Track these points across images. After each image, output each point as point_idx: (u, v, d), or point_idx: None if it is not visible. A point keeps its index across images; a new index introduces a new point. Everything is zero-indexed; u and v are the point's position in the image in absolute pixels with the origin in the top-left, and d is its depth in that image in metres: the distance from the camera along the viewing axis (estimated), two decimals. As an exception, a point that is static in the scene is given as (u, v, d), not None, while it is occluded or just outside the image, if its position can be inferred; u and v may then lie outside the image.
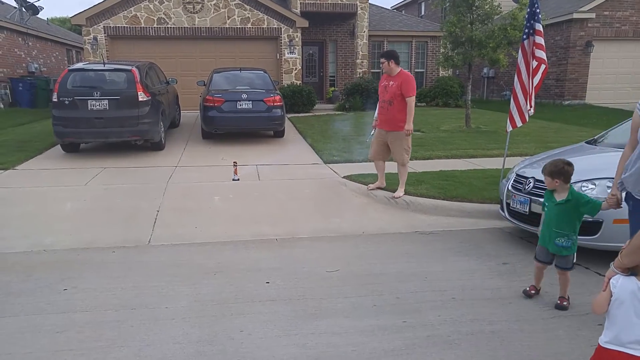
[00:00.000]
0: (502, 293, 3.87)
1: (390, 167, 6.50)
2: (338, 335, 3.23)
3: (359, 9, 16.50)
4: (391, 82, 5.96)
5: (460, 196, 6.13)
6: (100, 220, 5.63)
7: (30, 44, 18.59)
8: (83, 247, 4.91)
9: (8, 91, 15.88)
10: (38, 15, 20.09)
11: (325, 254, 4.76)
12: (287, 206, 6.24)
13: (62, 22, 33.62)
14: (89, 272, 4.27)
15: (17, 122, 12.51)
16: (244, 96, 9.77)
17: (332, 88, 18.11)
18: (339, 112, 15.17)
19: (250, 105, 9.73)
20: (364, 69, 17.02)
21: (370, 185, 6.52)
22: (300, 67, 16.09)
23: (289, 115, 13.31)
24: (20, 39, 17.82)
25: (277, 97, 10.02)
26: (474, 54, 11.13)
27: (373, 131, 6.43)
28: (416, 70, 18.53)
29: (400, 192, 6.23)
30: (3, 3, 20.18)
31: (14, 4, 18.36)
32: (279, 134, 10.64)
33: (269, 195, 6.61)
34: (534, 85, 5.94)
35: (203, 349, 3.07)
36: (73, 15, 14.99)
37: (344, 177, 7.28)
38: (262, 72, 11.21)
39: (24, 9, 18.13)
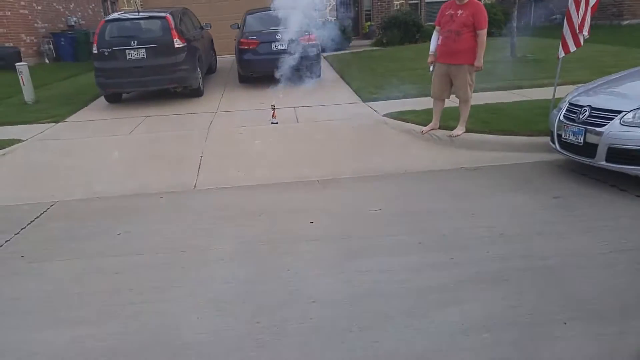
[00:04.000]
0: (555, 228, 3.72)
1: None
2: (384, 272, 3.24)
3: None
4: (459, 11, 5.49)
5: (506, 130, 5.85)
6: (147, 167, 5.79)
7: (67, -4, 18.61)
8: (132, 193, 5.10)
9: (52, 46, 16.17)
10: (71, -33, 19.96)
11: (367, 193, 4.72)
12: (327, 147, 6.18)
13: (94, -29, 33.38)
14: (140, 217, 4.46)
15: (62, 76, 12.82)
16: (279, 36, 9.52)
17: (368, 23, 17.37)
18: (377, 48, 14.63)
19: (285, 46, 9.50)
20: (401, 1, 16.16)
21: (423, 128, 6.17)
22: (334, 3, 15.43)
23: (325, 54, 12.95)
24: (57, -8, 17.86)
25: (312, 36, 9.71)
26: (522, -25, 10.29)
27: (432, 67, 5.99)
28: (458, -2, 17.40)
29: (460, 129, 5.91)
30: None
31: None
32: (316, 73, 10.40)
33: (308, 137, 6.55)
34: (591, 5, 5.43)
35: (251, 288, 3.16)
36: (104, -37, 14.80)
37: (384, 115, 7.09)
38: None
39: (57, -39, 18.02)
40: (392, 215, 4.14)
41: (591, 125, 4.36)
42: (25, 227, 4.35)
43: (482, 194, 4.48)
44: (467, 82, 5.70)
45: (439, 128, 6.16)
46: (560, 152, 4.82)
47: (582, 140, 4.43)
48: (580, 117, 4.51)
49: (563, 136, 4.70)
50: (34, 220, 4.50)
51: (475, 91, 7.93)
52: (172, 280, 3.33)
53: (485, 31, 5.47)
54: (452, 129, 6.01)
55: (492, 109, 6.73)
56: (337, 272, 3.29)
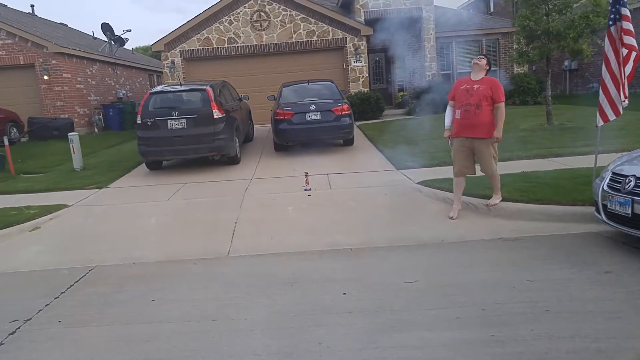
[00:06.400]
0: (607, 306, 3.46)
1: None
2: (419, 349, 3.07)
3: (424, 12, 16.13)
4: (476, 85, 5.54)
5: (546, 199, 5.68)
6: (183, 233, 5.87)
7: (118, 72, 20.20)
8: (168, 259, 5.14)
9: (101, 117, 17.34)
10: (124, 46, 21.83)
11: (402, 263, 4.59)
12: (361, 215, 6.14)
13: (145, 50, 36.18)
14: (173, 284, 4.45)
15: (109, 144, 13.60)
16: (313, 107, 9.84)
17: (401, 93, 17.80)
18: (409, 117, 14.87)
19: (319, 116, 9.79)
20: (432, 72, 16.60)
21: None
22: (367, 75, 16.00)
23: (358, 123, 13.24)
24: (110, 68, 19.46)
25: (345, 106, 10.00)
26: (552, 47, 10.42)
27: (450, 142, 5.93)
28: (489, 69, 17.71)
29: (496, 198, 5.78)
30: (95, 38, 22.20)
31: (105, 38, 20.13)
32: (349, 142, 10.60)
33: (341, 204, 6.55)
34: (627, 74, 5.40)
35: (282, 362, 3.04)
36: (153, 42, 16.05)
37: (418, 183, 7.06)
38: (329, 82, 11.27)
39: (112, 42, 19.85)
40: (428, 288, 3.99)
41: (638, 196, 4.17)
42: (64, 292, 4.42)
43: (524, 266, 4.27)
44: (492, 155, 5.63)
45: (475, 197, 6.04)
46: (607, 222, 4.59)
47: (630, 212, 4.22)
48: (626, 187, 4.34)
49: (609, 207, 4.49)
50: (72, 285, 4.57)
51: (510, 159, 7.90)
52: (202, 350, 3.25)
53: (503, 104, 5.50)
54: (489, 197, 5.89)
55: (530, 177, 6.59)
56: (371, 347, 3.14)
